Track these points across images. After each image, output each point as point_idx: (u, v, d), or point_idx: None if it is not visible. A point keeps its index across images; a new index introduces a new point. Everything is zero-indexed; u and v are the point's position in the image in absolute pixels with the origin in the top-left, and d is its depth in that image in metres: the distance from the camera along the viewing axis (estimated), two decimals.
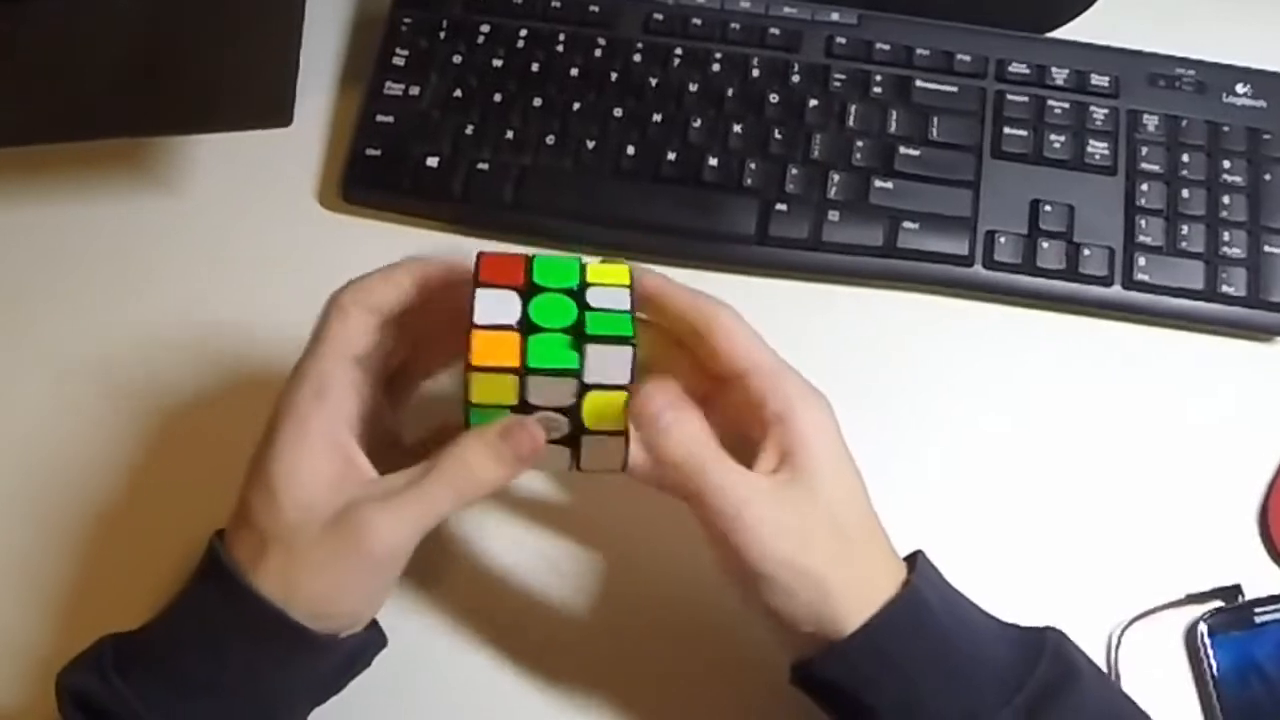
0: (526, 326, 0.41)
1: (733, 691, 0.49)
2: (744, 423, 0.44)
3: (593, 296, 0.42)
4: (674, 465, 0.42)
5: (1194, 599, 0.52)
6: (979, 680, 0.41)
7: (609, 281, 0.42)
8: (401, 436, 0.48)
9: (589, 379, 0.41)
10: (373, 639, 0.45)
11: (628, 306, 0.41)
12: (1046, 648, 0.42)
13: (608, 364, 0.40)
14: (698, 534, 0.43)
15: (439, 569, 0.51)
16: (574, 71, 0.61)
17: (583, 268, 0.43)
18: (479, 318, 0.40)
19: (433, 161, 0.59)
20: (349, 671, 0.45)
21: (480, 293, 0.41)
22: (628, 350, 0.40)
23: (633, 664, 0.50)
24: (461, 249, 0.57)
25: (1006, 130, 0.60)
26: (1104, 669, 0.50)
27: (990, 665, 0.42)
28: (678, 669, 0.50)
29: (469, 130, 0.59)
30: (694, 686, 0.50)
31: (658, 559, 0.51)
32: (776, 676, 0.44)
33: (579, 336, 0.40)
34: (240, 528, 0.42)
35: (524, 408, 0.41)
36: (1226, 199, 0.59)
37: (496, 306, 0.41)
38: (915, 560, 0.44)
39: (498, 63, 0.61)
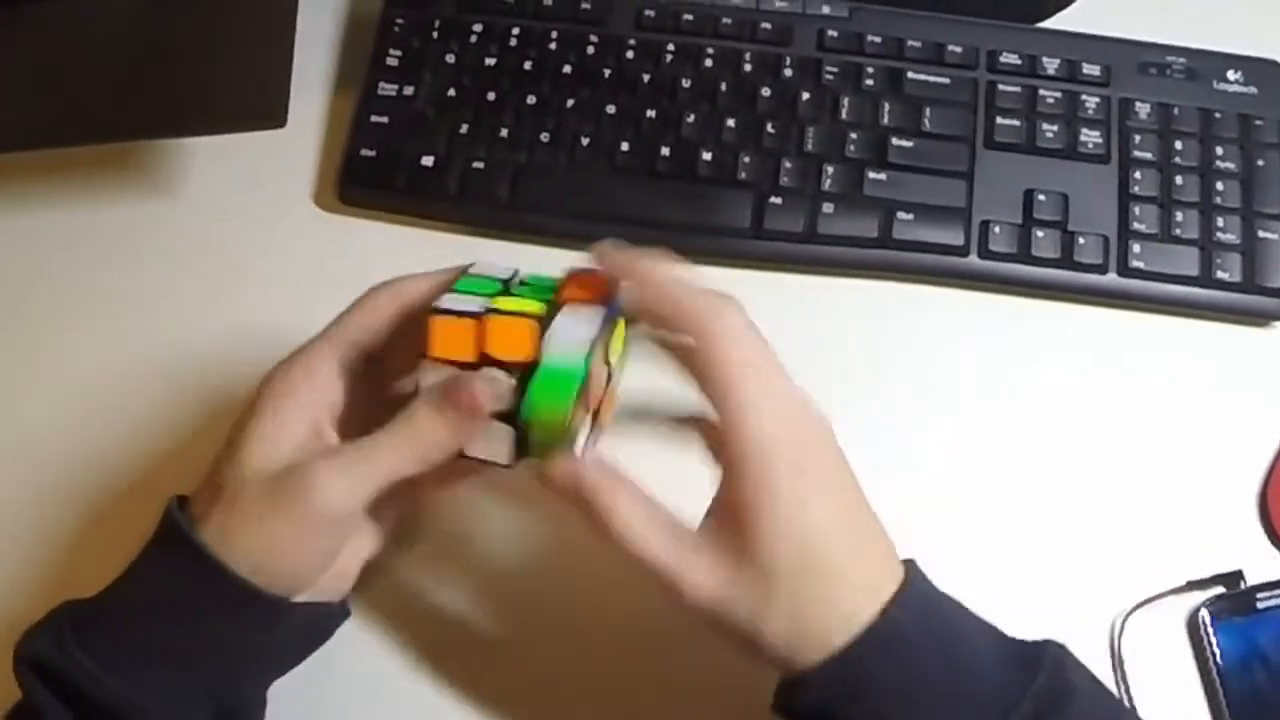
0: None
1: (716, 705, 0.49)
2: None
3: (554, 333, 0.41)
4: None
5: (1195, 585, 0.52)
6: (962, 710, 0.40)
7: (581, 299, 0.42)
8: None
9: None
10: (332, 610, 0.45)
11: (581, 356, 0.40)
12: (1043, 667, 0.40)
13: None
14: None
15: (431, 567, 0.52)
16: (567, 69, 0.61)
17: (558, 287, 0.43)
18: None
19: (428, 161, 0.59)
20: (308, 640, 0.45)
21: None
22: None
23: (612, 671, 0.50)
24: (458, 249, 0.59)
25: (999, 120, 0.60)
26: (1108, 658, 0.50)
27: (977, 693, 0.40)
28: (657, 677, 0.50)
29: (463, 129, 0.60)
30: (675, 696, 0.49)
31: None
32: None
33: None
34: (202, 487, 0.42)
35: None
36: (1220, 185, 0.59)
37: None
38: (906, 573, 0.41)
39: (490, 61, 0.61)
